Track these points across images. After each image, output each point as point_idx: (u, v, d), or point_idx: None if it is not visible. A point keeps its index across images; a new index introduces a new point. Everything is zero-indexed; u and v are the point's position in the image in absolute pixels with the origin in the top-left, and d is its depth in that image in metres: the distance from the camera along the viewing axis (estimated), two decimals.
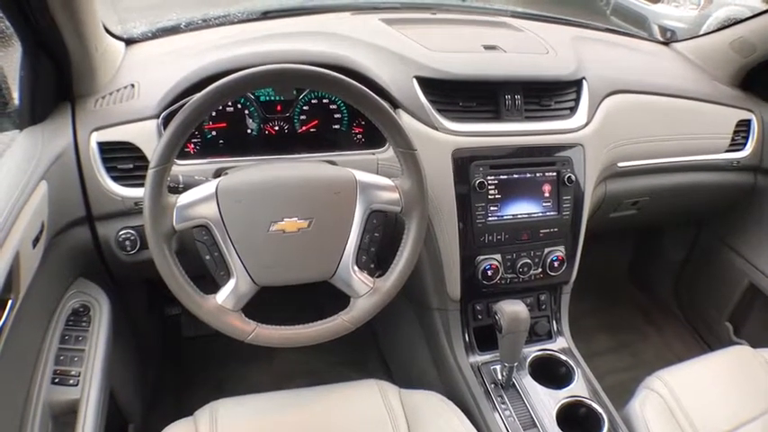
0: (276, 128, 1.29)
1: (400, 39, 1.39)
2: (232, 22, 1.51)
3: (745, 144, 1.72)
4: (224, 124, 1.26)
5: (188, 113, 0.94)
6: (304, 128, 1.31)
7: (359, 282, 1.06)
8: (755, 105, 1.73)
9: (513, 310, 1.22)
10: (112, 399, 1.33)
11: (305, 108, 1.30)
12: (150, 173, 0.93)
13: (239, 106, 1.26)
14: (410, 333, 1.59)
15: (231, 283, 0.99)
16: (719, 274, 1.98)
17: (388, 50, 1.34)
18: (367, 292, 1.06)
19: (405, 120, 1.28)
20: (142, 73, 1.27)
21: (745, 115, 1.70)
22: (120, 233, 1.19)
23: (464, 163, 1.29)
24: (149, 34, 1.47)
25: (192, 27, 1.49)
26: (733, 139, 1.68)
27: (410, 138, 1.06)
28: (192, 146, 1.25)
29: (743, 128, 1.70)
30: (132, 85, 1.23)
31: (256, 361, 1.78)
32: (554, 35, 1.55)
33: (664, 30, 1.85)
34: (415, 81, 1.29)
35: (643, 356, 1.92)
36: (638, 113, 1.52)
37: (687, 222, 2.08)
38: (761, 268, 1.83)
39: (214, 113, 1.24)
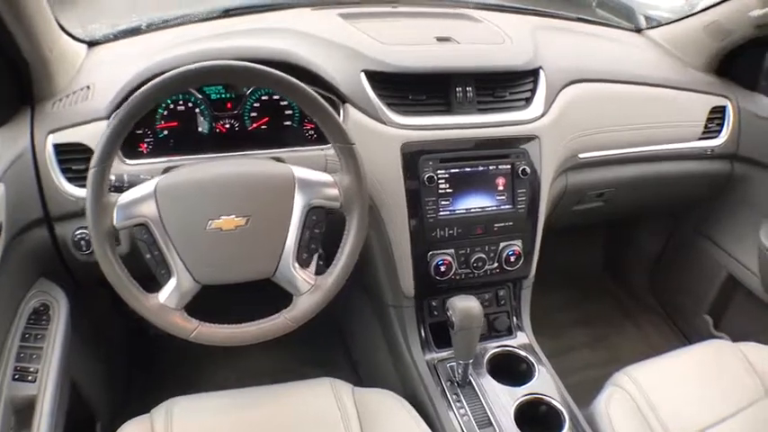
0: (227, 126, 1.30)
1: (352, 33, 1.39)
2: (193, 22, 1.51)
3: (719, 131, 1.69)
4: (175, 123, 1.28)
5: (121, 117, 0.96)
6: (255, 125, 1.32)
7: (300, 279, 1.06)
8: (731, 91, 1.70)
9: (464, 306, 1.22)
10: (77, 395, 1.37)
11: (255, 105, 1.31)
12: (90, 173, 0.96)
13: (190, 105, 1.28)
14: (371, 331, 1.60)
15: (173, 282, 1.00)
16: (697, 266, 1.95)
17: (338, 45, 1.35)
18: (309, 289, 1.07)
19: (351, 114, 1.29)
20: (98, 74, 1.30)
21: (719, 102, 1.67)
22: (76, 233, 1.21)
23: (413, 157, 1.30)
24: (111, 36, 1.49)
25: (153, 27, 1.50)
26: (706, 127, 1.66)
27: (347, 132, 1.07)
28: (145, 145, 1.26)
29: (717, 115, 1.68)
30: (88, 87, 1.25)
31: (224, 359, 1.80)
32: (514, 25, 1.54)
33: (650, 20, 1.81)
34: (363, 75, 1.30)
35: (620, 351, 1.90)
36: (601, 103, 1.52)
37: (662, 213, 2.04)
38: (740, 259, 1.80)
39: (165, 113, 1.26)
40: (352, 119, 1.28)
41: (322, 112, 1.05)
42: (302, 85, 1.04)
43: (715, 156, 1.70)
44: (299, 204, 1.05)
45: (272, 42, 1.33)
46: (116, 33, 1.48)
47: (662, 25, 1.80)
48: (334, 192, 1.08)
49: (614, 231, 2.31)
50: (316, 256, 1.13)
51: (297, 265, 1.05)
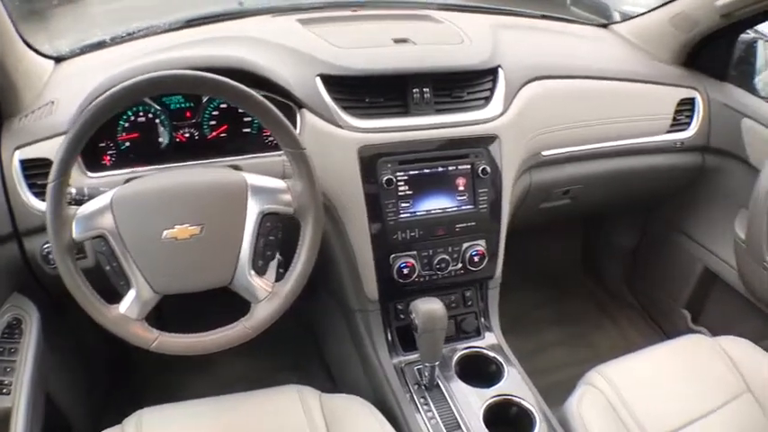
0: (186, 135, 1.31)
1: (309, 38, 1.40)
2: (156, 33, 1.51)
3: (689, 124, 1.68)
4: (136, 135, 1.28)
5: (74, 132, 0.97)
6: (214, 133, 1.32)
7: (257, 287, 1.06)
8: (700, 83, 1.69)
9: (427, 308, 1.22)
10: (53, 407, 1.38)
11: (214, 114, 1.31)
12: (48, 187, 0.96)
13: (150, 116, 1.28)
14: (341, 336, 1.59)
15: (132, 293, 1.01)
16: (673, 261, 1.94)
17: (293, 50, 1.35)
18: (266, 297, 1.07)
19: (308, 119, 1.29)
20: (62, 89, 1.30)
21: (688, 93, 1.66)
22: (44, 247, 1.22)
23: (371, 160, 1.30)
24: (77, 51, 1.50)
25: (117, 41, 1.51)
26: (675, 120, 1.65)
27: (297, 137, 1.07)
28: (108, 157, 1.27)
29: (686, 107, 1.67)
30: (52, 102, 1.26)
31: (201, 368, 1.80)
32: (475, 25, 1.54)
33: (625, 17, 1.81)
34: (318, 79, 1.30)
35: (597, 348, 1.89)
36: (564, 99, 1.51)
37: (635, 208, 2.03)
38: (715, 252, 1.78)
39: (127, 124, 1.26)
40: (308, 124, 1.28)
41: (271, 117, 1.05)
42: (251, 91, 1.04)
43: (685, 148, 1.69)
44: (252, 211, 1.05)
45: (229, 50, 1.33)
46: (82, 48, 1.49)
47: (628, 19, 1.79)
48: (287, 198, 1.07)
49: (589, 228, 2.30)
50: (275, 263, 1.14)
51: (253, 272, 1.05)
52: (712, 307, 1.88)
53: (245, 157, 1.28)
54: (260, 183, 1.08)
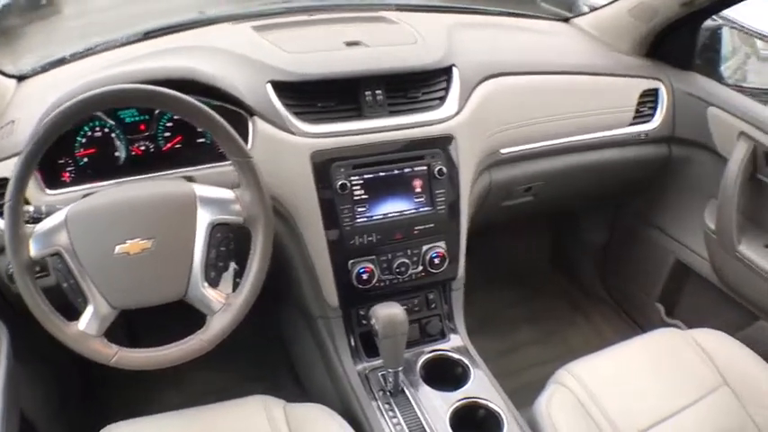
0: (142, 148, 1.30)
1: (261, 44, 1.39)
2: (115, 47, 1.51)
3: (653, 115, 1.66)
4: (93, 150, 1.27)
5: (27, 151, 0.97)
6: (169, 145, 1.31)
7: (211, 298, 1.06)
8: (663, 73, 1.68)
9: (387, 313, 1.21)
10: (27, 423, 1.39)
11: (168, 125, 1.30)
12: (5, 207, 0.97)
13: (106, 130, 1.27)
14: (307, 344, 1.58)
15: (90, 309, 1.01)
16: (644, 254, 1.92)
17: (245, 58, 1.34)
18: (221, 308, 1.07)
19: (260, 127, 1.28)
20: (23, 108, 1.30)
21: (651, 84, 1.65)
22: (9, 267, 1.21)
23: (324, 165, 1.29)
24: (39, 69, 1.50)
25: (77, 57, 1.51)
26: (638, 111, 1.64)
27: (243, 145, 1.07)
28: (67, 174, 1.26)
29: (650, 98, 1.66)
30: (13, 122, 1.26)
31: (172, 380, 1.80)
32: (430, 24, 1.53)
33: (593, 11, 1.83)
34: (269, 86, 1.29)
35: (571, 346, 1.88)
36: (521, 95, 1.50)
37: (603, 203, 2.01)
38: (686, 244, 1.77)
39: (84, 140, 1.26)
40: (260, 131, 1.27)
41: (216, 126, 1.05)
42: (191, 100, 1.03)
43: (650, 140, 1.67)
44: (202, 222, 1.05)
45: (181, 61, 1.32)
46: (43, 66, 1.49)
47: (589, 12, 1.78)
48: (236, 207, 1.07)
49: (559, 225, 2.28)
50: (230, 274, 1.14)
51: (206, 284, 1.06)
52: (686, 299, 1.87)
53: (200, 167, 1.27)
54: (209, 194, 1.08)
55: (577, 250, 2.25)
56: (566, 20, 1.82)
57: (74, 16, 3.52)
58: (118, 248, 1.00)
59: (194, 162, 1.28)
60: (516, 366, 1.75)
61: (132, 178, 1.23)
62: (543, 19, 1.84)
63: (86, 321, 1.01)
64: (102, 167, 1.26)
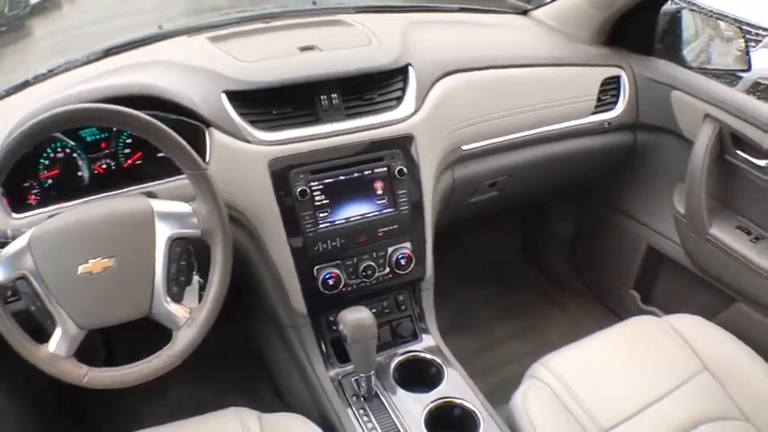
0: (104, 166, 1.29)
1: (215, 55, 1.38)
2: (76, 67, 1.50)
3: (615, 103, 1.66)
4: (57, 171, 1.27)
5: None
6: (129, 161, 1.31)
7: (175, 314, 1.07)
8: (624, 60, 1.68)
9: (354, 318, 1.21)
10: None
11: (128, 142, 1.30)
12: None
13: (68, 150, 1.27)
14: (281, 354, 1.58)
15: (59, 331, 1.02)
16: (616, 242, 1.92)
17: (199, 69, 1.33)
18: (185, 323, 1.07)
19: (216, 137, 1.27)
20: None
21: (612, 72, 1.65)
22: None
23: (283, 173, 1.28)
24: (3, 93, 1.48)
25: (40, 79, 1.50)
26: (600, 100, 1.64)
27: (196, 158, 1.07)
28: (33, 197, 1.25)
29: (611, 86, 1.66)
30: None
31: (153, 395, 1.79)
32: (386, 25, 1.53)
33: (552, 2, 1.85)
34: (224, 96, 1.29)
35: (548, 339, 1.88)
36: (480, 91, 1.50)
37: (571, 193, 2.01)
38: (657, 229, 1.77)
39: (47, 162, 1.25)
40: (217, 142, 1.26)
41: (166, 140, 1.05)
42: (143, 116, 1.04)
43: (614, 128, 1.68)
44: (161, 238, 1.05)
45: (138, 77, 1.32)
46: (6, 90, 1.48)
47: (547, 4, 1.78)
48: (194, 221, 1.08)
49: (529, 218, 2.28)
50: (194, 288, 1.13)
51: (169, 299, 1.06)
52: (661, 285, 1.87)
53: (161, 181, 1.27)
54: (166, 208, 1.08)
55: (549, 242, 2.25)
56: (524, 12, 1.82)
57: (45, 37, 3.52)
58: (81, 268, 1.00)
59: (156, 177, 1.27)
60: (493, 363, 1.74)
61: (93, 197, 1.22)
62: (502, 13, 1.84)
63: (56, 343, 1.01)
64: (67, 188, 1.25)
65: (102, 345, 1.77)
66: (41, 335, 1.03)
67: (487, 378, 1.67)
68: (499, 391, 1.35)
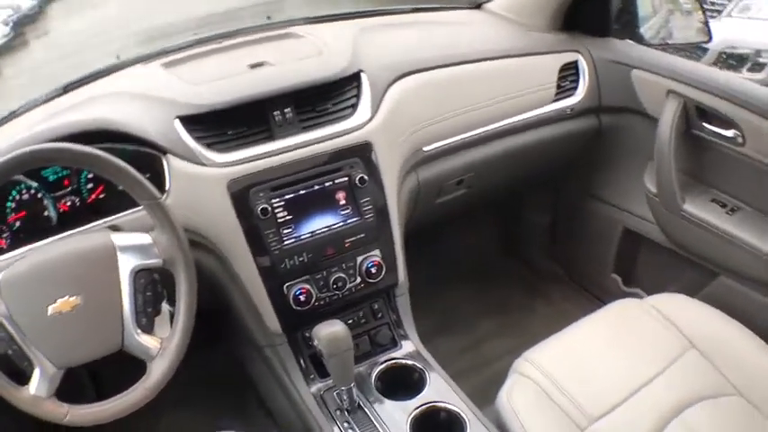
0: (68, 203, 1.29)
1: (168, 81, 1.39)
2: (37, 105, 1.50)
3: (575, 88, 1.65)
4: (24, 213, 1.26)
5: None
6: (93, 196, 1.31)
7: (148, 345, 1.08)
8: (581, 44, 1.68)
9: (328, 332, 1.20)
10: None
11: (89, 177, 1.30)
12: None
13: (33, 191, 1.26)
14: (264, 374, 1.56)
15: (37, 372, 1.03)
16: (592, 227, 1.92)
17: (152, 97, 1.33)
18: (158, 354, 1.08)
19: (174, 164, 1.27)
20: None
21: (569, 57, 1.65)
22: None
23: (242, 193, 1.28)
24: None
25: (2, 122, 1.49)
26: (560, 87, 1.64)
27: (149, 187, 1.08)
28: (3, 240, 1.25)
29: (570, 71, 1.65)
30: None
31: (144, 420, 1.77)
32: (337, 34, 1.52)
33: None
34: (177, 122, 1.28)
35: (534, 331, 1.84)
36: (436, 91, 1.50)
37: (542, 183, 2.00)
38: (631, 210, 1.77)
39: (13, 205, 1.25)
40: (174, 169, 1.26)
41: (118, 172, 1.06)
42: (91, 151, 1.04)
43: (577, 113, 1.67)
44: (125, 270, 1.06)
45: (94, 111, 1.32)
46: None
47: None
48: (154, 250, 1.09)
49: (504, 211, 2.27)
50: (165, 317, 1.14)
51: (139, 330, 1.07)
52: (642, 266, 1.86)
53: (125, 213, 1.27)
54: (126, 241, 1.09)
55: (526, 235, 2.25)
56: (478, 6, 1.81)
57: (14, 76, 3.54)
58: (50, 309, 1.01)
59: (119, 209, 1.27)
60: (481, 362, 1.73)
61: (58, 237, 1.22)
62: (455, 9, 1.83)
63: (36, 385, 1.02)
64: (36, 228, 1.25)
65: (90, 382, 1.76)
66: (22, 377, 1.03)
67: (476, 377, 1.67)
68: (489, 390, 1.34)
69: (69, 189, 1.28)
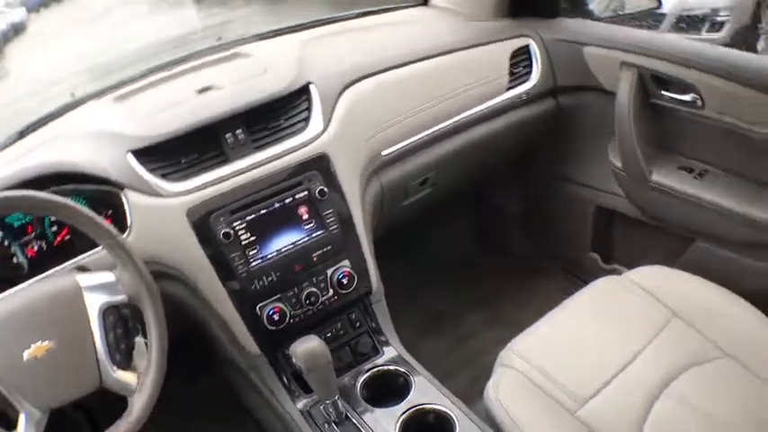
0: (35, 248, 1.29)
1: (119, 115, 1.39)
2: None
3: (529, 72, 1.64)
4: None
5: None
6: (59, 238, 1.31)
7: (125, 381, 1.08)
8: (530, 28, 1.68)
9: (304, 348, 1.20)
10: None
11: (53, 219, 1.29)
12: None
13: None
14: (251, 395, 1.55)
15: (23, 417, 1.03)
16: (565, 209, 1.92)
17: (104, 133, 1.33)
18: (137, 389, 1.09)
19: (132, 199, 1.27)
20: None
21: (520, 43, 1.65)
22: None
23: (203, 220, 1.28)
24: None
25: None
26: (513, 73, 1.64)
27: (106, 226, 1.08)
28: None
29: (522, 57, 1.65)
30: None
31: None
32: (283, 48, 1.52)
33: None
34: (130, 155, 1.28)
35: (520, 320, 1.85)
36: (387, 94, 1.50)
37: (511, 171, 2.00)
38: (601, 188, 1.77)
39: None
40: (134, 204, 1.26)
41: (71, 214, 1.07)
42: (41, 196, 1.05)
43: (534, 98, 1.67)
44: (93, 310, 1.07)
45: (48, 156, 1.31)
46: None
47: None
48: (118, 287, 1.09)
49: (476, 204, 2.27)
50: (142, 351, 1.14)
51: (115, 367, 1.07)
52: (619, 242, 1.86)
53: (91, 252, 1.26)
54: (91, 281, 1.09)
55: (501, 224, 2.25)
56: (425, 2, 1.81)
57: None
58: (26, 355, 1.01)
59: (86, 249, 1.27)
60: (470, 357, 1.72)
61: (26, 284, 1.21)
62: (402, 9, 1.82)
63: (23, 429, 1.02)
64: (8, 277, 1.24)
65: (86, 421, 1.76)
66: (9, 421, 1.04)
67: (467, 373, 1.67)
68: (481, 386, 1.33)
69: (34, 234, 1.28)
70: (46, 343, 1.03)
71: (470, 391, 1.38)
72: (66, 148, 1.32)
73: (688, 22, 2.47)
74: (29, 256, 1.27)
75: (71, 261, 1.25)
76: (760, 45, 2.57)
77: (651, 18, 2.28)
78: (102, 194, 1.25)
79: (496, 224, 2.28)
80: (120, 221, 1.28)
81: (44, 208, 1.08)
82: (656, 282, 1.41)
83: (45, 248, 1.29)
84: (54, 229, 1.29)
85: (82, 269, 1.20)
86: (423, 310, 1.96)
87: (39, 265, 1.26)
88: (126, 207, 1.25)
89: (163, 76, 1.57)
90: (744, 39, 2.49)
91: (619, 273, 1.52)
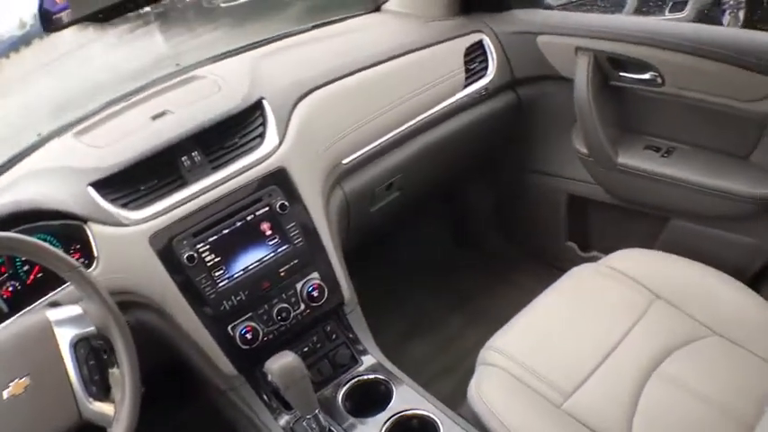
0: (10, 289, 1.30)
1: (76, 150, 1.39)
2: None
3: (486, 68, 1.64)
4: None
5: None
6: (31, 277, 1.31)
7: (103, 413, 1.08)
8: (482, 23, 1.69)
9: (279, 365, 1.20)
10: None
11: (23, 259, 1.29)
12: None
13: None
14: (236, 415, 1.54)
15: None
16: (537, 201, 1.92)
17: (64, 169, 1.33)
18: (114, 419, 1.08)
19: (96, 231, 1.27)
20: None
21: (473, 39, 1.66)
22: None
23: (166, 245, 1.28)
24: None
25: None
26: (469, 70, 1.63)
27: (66, 258, 1.09)
28: None
29: (477, 53, 1.65)
30: None
31: None
32: (236, 66, 1.51)
33: None
34: (90, 188, 1.29)
35: (503, 316, 1.84)
36: (343, 102, 1.51)
37: (479, 168, 1.99)
38: (569, 175, 1.78)
39: None
40: (98, 235, 1.26)
41: (30, 250, 1.08)
42: (4, 235, 1.06)
43: (493, 92, 1.67)
44: (64, 343, 1.07)
45: (13, 196, 1.30)
46: None
47: None
48: (86, 319, 1.09)
49: (449, 204, 2.26)
50: (119, 380, 1.13)
51: (92, 399, 1.07)
52: (594, 229, 1.86)
53: (63, 287, 1.27)
54: (60, 315, 1.10)
55: (475, 223, 2.25)
56: (377, 8, 1.81)
57: None
58: (5, 394, 1.02)
59: (57, 284, 1.27)
60: (455, 357, 1.71)
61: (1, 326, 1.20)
62: (355, 17, 1.83)
63: None
64: None
65: None
66: None
67: (453, 375, 1.66)
68: (466, 388, 1.33)
69: (7, 275, 1.28)
70: (23, 380, 1.03)
71: (456, 393, 1.37)
72: (31, 185, 1.32)
73: (650, 4, 2.49)
74: (4, 296, 1.28)
75: (45, 297, 1.25)
76: (725, 20, 2.59)
77: (610, 2, 2.30)
78: (69, 229, 1.26)
79: (470, 223, 2.28)
80: (88, 254, 1.29)
81: (4, 247, 1.08)
82: (634, 264, 1.41)
83: (20, 288, 1.29)
84: (26, 268, 1.29)
85: (54, 304, 1.20)
86: (404, 315, 1.95)
87: (15, 304, 1.26)
88: (91, 239, 1.26)
89: (121, 106, 1.58)
90: (707, 16, 2.51)
91: (598, 260, 1.52)
